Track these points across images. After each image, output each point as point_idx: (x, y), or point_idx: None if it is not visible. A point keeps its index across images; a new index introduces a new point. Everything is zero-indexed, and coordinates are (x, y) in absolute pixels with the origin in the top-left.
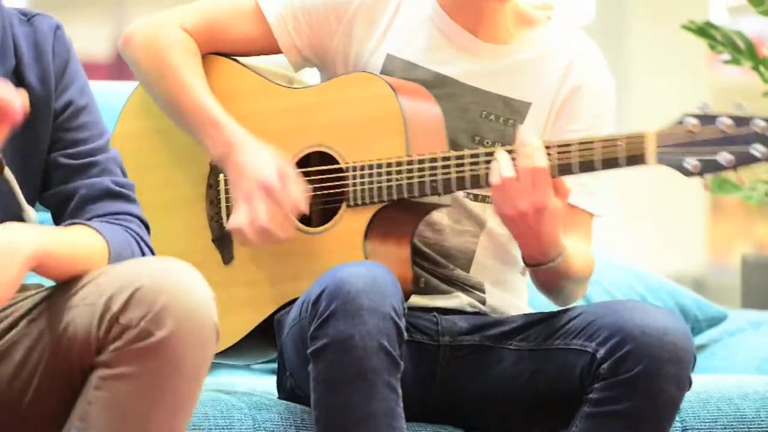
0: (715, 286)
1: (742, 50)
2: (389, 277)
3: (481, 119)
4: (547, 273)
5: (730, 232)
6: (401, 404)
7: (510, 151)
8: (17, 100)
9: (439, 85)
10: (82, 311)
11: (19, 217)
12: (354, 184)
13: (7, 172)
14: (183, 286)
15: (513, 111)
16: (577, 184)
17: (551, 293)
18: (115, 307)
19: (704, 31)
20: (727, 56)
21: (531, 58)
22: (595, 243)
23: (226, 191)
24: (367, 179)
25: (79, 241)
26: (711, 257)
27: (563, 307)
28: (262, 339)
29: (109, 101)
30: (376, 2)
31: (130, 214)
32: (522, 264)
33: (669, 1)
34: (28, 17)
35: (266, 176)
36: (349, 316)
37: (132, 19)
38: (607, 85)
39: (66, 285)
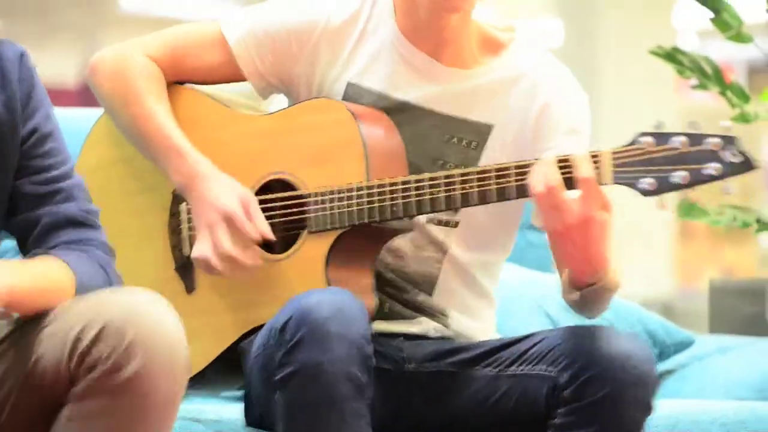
0: (683, 310)
1: (709, 75)
2: (356, 304)
3: (444, 143)
4: (598, 292)
5: (698, 257)
6: (370, 430)
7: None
8: None
9: (401, 111)
10: (51, 346)
11: None
12: (315, 210)
13: None
14: (152, 319)
15: (476, 134)
16: None
17: (588, 310)
18: (84, 341)
19: (672, 56)
20: (695, 81)
21: (494, 80)
22: None
23: (189, 220)
24: (327, 205)
25: (46, 274)
26: (679, 282)
27: (590, 319)
28: (227, 367)
29: (77, 127)
30: (339, 29)
31: (96, 240)
32: (568, 290)
33: (638, 25)
34: None
35: (228, 205)
36: (317, 343)
37: (101, 48)
38: (577, 98)
39: (33, 320)
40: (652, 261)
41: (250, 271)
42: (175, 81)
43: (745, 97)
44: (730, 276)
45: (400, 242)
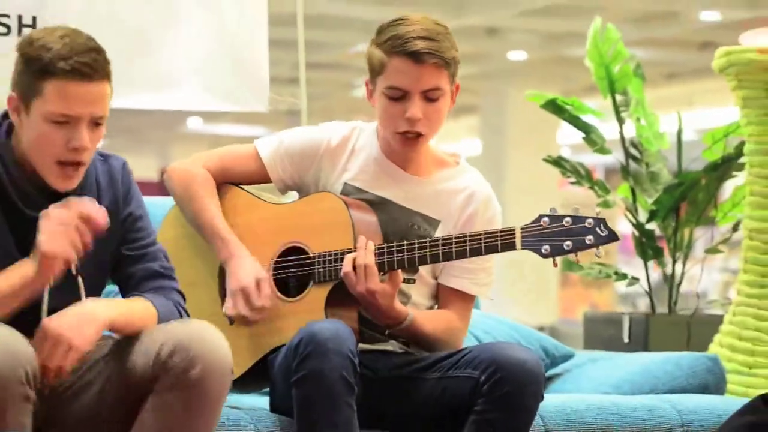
0: (565, 333)
1: (583, 175)
2: (347, 329)
3: (407, 227)
4: (402, 332)
5: (574, 296)
6: (356, 417)
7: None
8: (101, 214)
9: (379, 203)
10: (141, 357)
11: None
12: (318, 267)
13: (80, 280)
14: (208, 339)
15: (428, 224)
16: (466, 275)
17: (420, 345)
18: (163, 354)
19: (558, 162)
20: (573, 179)
21: (443, 189)
22: (486, 307)
23: None
24: (327, 264)
25: (137, 309)
26: (562, 313)
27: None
28: (256, 377)
29: (158, 208)
30: (335, 148)
31: (173, 289)
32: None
33: (533, 142)
34: (104, 158)
35: (246, 281)
36: (319, 356)
37: (171, 154)
38: (494, 212)
39: (129, 338)
40: (543, 299)
41: (259, 320)
42: (224, 182)
43: (606, 190)
44: (597, 310)
45: None
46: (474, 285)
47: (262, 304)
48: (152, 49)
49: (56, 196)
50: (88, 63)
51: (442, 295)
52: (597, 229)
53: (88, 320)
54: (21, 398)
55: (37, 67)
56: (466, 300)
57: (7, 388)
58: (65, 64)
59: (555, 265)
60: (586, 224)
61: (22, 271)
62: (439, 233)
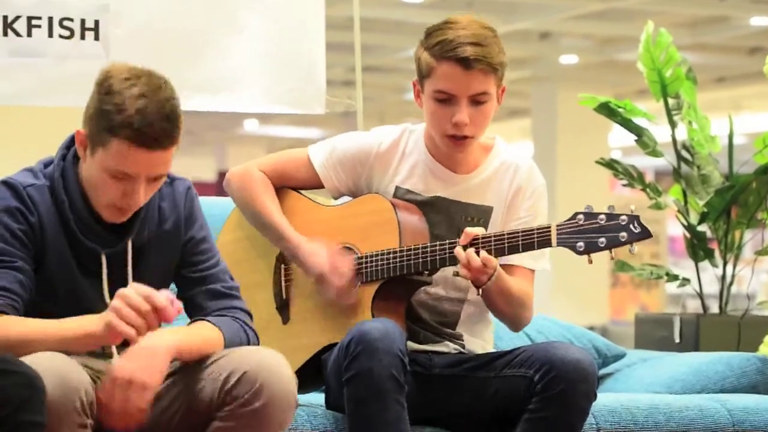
0: (617, 333)
1: (635, 178)
2: (396, 328)
3: (462, 221)
4: (494, 286)
5: (623, 297)
6: (406, 414)
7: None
8: (173, 308)
9: (432, 203)
10: (209, 383)
11: None
12: (366, 267)
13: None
14: (275, 370)
15: (481, 213)
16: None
17: (501, 302)
18: (229, 383)
19: (611, 164)
20: (625, 181)
21: (489, 176)
22: (539, 308)
23: (284, 276)
24: (373, 264)
25: (202, 336)
26: (613, 314)
27: (516, 332)
28: (311, 375)
29: (216, 208)
30: (386, 152)
31: (237, 308)
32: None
33: (583, 144)
34: (170, 180)
35: (321, 266)
36: (369, 355)
37: (228, 155)
38: (539, 185)
39: (196, 363)
40: (594, 300)
41: (346, 299)
42: (280, 187)
43: (658, 192)
44: (646, 310)
45: (435, 289)
46: (531, 259)
47: (346, 277)
48: (212, 52)
49: (113, 227)
50: (156, 134)
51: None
52: (631, 226)
53: (154, 354)
54: (77, 427)
55: (107, 124)
56: (527, 275)
57: (63, 419)
58: (133, 132)
59: (590, 262)
60: (620, 221)
61: (90, 326)
62: (493, 218)
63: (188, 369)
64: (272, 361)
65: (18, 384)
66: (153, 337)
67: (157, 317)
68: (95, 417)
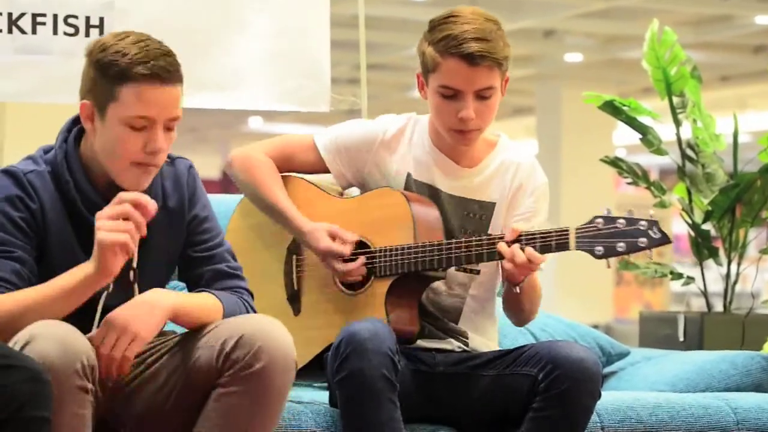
0: (621, 332)
1: (639, 176)
2: (386, 328)
3: (465, 216)
4: (525, 285)
5: (627, 295)
6: (399, 413)
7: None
8: (151, 203)
9: (437, 197)
10: (206, 351)
11: None
12: (380, 261)
13: (135, 287)
14: (273, 334)
15: (484, 209)
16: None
17: (523, 312)
18: (227, 347)
19: (615, 162)
20: (629, 180)
21: (492, 172)
22: (543, 306)
23: (295, 266)
24: (388, 258)
25: (202, 302)
26: (617, 312)
27: (521, 327)
28: (319, 367)
29: (220, 205)
30: (392, 140)
31: (241, 288)
32: (508, 290)
33: (588, 142)
34: (171, 160)
35: (325, 246)
36: (359, 355)
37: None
38: (541, 183)
39: (194, 332)
40: (598, 298)
41: (354, 275)
42: (286, 171)
43: (662, 191)
44: (651, 309)
45: (437, 283)
46: None
47: (348, 248)
48: (217, 50)
49: None
50: (164, 67)
51: None
52: (650, 232)
53: (152, 308)
54: (78, 390)
55: (114, 72)
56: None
57: (63, 382)
58: (143, 68)
59: (608, 266)
60: (639, 226)
61: (85, 270)
62: (496, 213)
63: (184, 341)
64: (270, 326)
65: (22, 379)
66: (155, 292)
67: (140, 213)
68: (98, 382)
